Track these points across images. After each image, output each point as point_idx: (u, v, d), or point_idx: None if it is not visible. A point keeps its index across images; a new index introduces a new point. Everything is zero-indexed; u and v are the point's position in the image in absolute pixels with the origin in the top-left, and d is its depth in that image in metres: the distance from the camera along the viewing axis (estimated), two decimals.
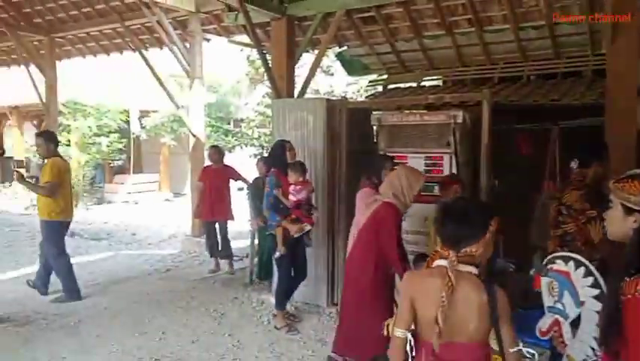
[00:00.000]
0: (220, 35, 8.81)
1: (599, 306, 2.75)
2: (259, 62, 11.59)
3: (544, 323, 3.15)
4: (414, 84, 7.74)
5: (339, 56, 8.36)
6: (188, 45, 8.37)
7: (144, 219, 12.63)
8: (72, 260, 5.96)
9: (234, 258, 7.27)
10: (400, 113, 5.60)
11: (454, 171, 5.01)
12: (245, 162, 12.27)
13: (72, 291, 5.78)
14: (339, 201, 5.56)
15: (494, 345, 2.04)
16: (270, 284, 5.97)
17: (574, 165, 3.71)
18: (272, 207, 4.86)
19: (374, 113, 5.55)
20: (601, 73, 5.93)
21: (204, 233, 7.40)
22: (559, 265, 3.07)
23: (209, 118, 15.12)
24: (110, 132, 14.75)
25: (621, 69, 4.46)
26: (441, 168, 5.09)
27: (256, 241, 6.67)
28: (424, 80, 7.67)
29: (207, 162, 7.75)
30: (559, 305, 3.06)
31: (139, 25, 9.27)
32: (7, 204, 14.35)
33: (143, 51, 9.37)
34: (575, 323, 2.97)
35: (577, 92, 5.70)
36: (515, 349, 2.02)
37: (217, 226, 7.09)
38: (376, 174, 4.59)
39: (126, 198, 15.74)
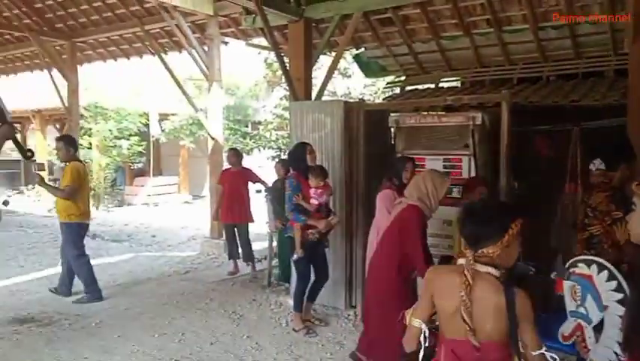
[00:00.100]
0: (238, 38, 8.88)
1: (622, 310, 2.70)
2: (277, 65, 11.66)
3: (566, 328, 3.10)
4: (432, 86, 7.70)
5: (356, 57, 8.36)
6: (206, 48, 8.44)
7: (164, 221, 12.76)
8: (93, 262, 6.06)
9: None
10: (417, 114, 5.56)
11: (473, 173, 4.97)
12: (263, 164, 12.33)
13: (93, 291, 5.87)
14: (357, 203, 5.54)
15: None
16: (289, 286, 5.98)
17: (592, 167, 3.66)
18: (295, 208, 4.85)
19: (392, 115, 5.53)
20: (623, 73, 5.83)
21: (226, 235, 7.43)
22: (581, 269, 3.02)
23: (228, 121, 15.23)
24: (130, 135, 14.94)
25: None
26: (459, 170, 5.05)
27: (274, 243, 6.69)
28: (442, 82, 7.62)
29: (226, 165, 7.80)
30: (581, 309, 3.01)
31: (158, 29, 9.40)
32: (31, 206, 14.61)
33: (163, 55, 9.49)
34: (598, 328, 2.92)
35: (598, 92, 5.60)
36: (538, 352, 2.00)
37: (236, 228, 7.12)
38: (397, 175, 4.58)
39: (146, 201, 15.91)
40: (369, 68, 8.22)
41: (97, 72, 13.40)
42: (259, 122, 17.26)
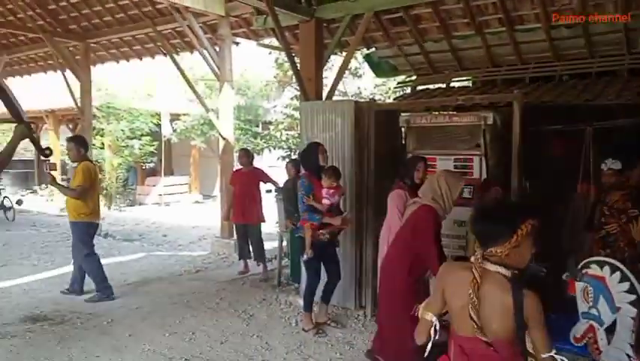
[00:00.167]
0: (249, 39, 8.90)
1: (634, 312, 2.68)
2: (287, 65, 11.64)
3: (578, 330, 3.08)
4: (443, 85, 7.65)
5: (367, 57, 8.33)
6: (217, 49, 8.47)
7: (175, 220, 12.84)
8: (105, 261, 6.12)
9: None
10: (429, 114, 5.54)
11: (484, 173, 4.94)
12: (273, 164, 12.35)
13: (104, 289, 5.93)
14: (367, 203, 5.53)
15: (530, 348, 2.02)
16: (299, 286, 5.99)
17: (604, 166, 3.63)
18: (309, 208, 4.83)
19: (402, 114, 5.51)
20: (637, 72, 5.76)
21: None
22: (594, 270, 2.99)
23: (238, 121, 15.26)
24: (142, 135, 15.06)
25: None
26: (471, 171, 5.02)
27: (284, 243, 6.70)
28: (454, 81, 7.57)
29: (237, 165, 7.82)
30: (594, 311, 2.98)
31: (170, 30, 9.45)
32: (44, 205, 14.77)
33: (174, 55, 9.54)
34: (611, 330, 2.89)
35: (612, 91, 5.54)
36: (547, 355, 1.98)
37: (247, 229, 7.12)
38: (409, 175, 4.57)
39: (157, 200, 16.03)
40: (380, 68, 8.20)
41: (109, 73, 13.52)
42: (270, 122, 17.28)
